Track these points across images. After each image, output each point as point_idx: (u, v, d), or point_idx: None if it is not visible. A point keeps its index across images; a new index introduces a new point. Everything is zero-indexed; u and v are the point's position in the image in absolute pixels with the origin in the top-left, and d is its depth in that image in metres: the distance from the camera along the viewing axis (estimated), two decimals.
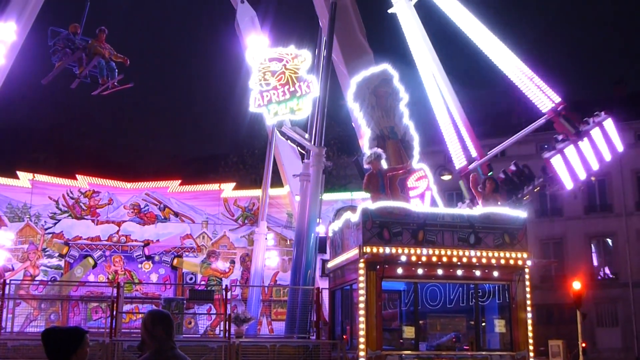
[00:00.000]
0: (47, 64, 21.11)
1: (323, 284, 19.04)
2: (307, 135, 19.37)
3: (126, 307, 22.03)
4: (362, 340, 14.20)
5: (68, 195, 26.22)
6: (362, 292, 14.44)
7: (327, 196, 22.30)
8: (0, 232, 25.14)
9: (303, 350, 16.45)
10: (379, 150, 16.57)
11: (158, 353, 5.12)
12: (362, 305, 14.36)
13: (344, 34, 21.05)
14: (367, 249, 14.44)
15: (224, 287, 20.36)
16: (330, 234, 17.87)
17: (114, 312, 15.79)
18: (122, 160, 30.46)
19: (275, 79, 18.08)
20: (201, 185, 27.57)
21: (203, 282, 25.68)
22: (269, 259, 24.79)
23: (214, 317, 23.12)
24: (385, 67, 19.62)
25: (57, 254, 25.70)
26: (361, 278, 14.45)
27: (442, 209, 18.40)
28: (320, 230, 19.56)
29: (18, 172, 26.14)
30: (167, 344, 5.19)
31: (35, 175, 26.30)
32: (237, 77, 26.66)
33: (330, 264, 17.79)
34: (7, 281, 18.87)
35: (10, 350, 15.18)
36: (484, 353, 15.15)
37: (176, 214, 26.59)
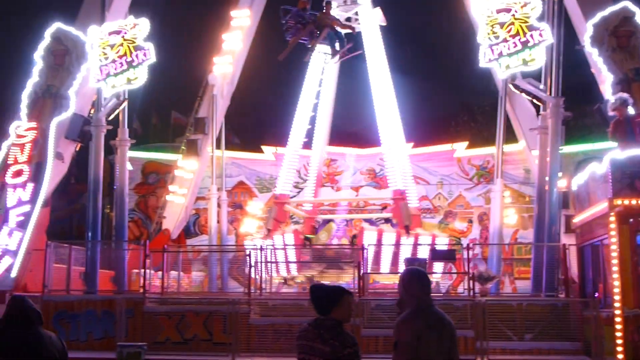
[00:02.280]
0: (280, 42, 22.33)
1: (568, 240, 18.17)
2: (542, 86, 18.43)
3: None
4: (617, 298, 13.35)
5: (308, 165, 27.65)
6: (614, 247, 13.52)
7: (568, 148, 21.14)
8: (252, 203, 27.34)
9: (551, 309, 15.90)
10: (625, 95, 15.27)
11: (418, 310, 5.19)
12: (615, 262, 13.46)
13: None
14: (618, 202, 13.47)
15: (463, 246, 20.28)
16: (574, 188, 16.94)
17: (361, 273, 16.46)
18: (355, 127, 31.28)
19: (505, 30, 17.41)
20: (433, 146, 27.50)
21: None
22: (508, 216, 24.11)
23: (454, 276, 23.16)
24: (625, 4, 17.97)
25: (302, 221, 27.32)
26: (612, 233, 13.52)
27: None
28: (562, 184, 18.67)
29: (263, 147, 28.11)
30: (425, 301, 5.26)
31: (278, 148, 28.06)
32: (460, 34, 26.10)
33: (576, 219, 16.89)
34: (262, 246, 20.44)
35: (270, 308, 16.52)
36: None
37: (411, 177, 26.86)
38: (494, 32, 17.50)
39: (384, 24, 22.89)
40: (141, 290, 17.20)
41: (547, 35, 17.27)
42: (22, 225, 19.36)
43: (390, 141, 22.20)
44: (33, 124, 20.17)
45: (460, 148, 26.74)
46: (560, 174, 18.44)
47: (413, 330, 5.08)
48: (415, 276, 5.41)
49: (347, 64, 23.78)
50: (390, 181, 21.72)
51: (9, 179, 19.70)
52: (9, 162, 19.91)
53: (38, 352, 4.98)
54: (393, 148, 22.10)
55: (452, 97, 38.56)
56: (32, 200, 19.59)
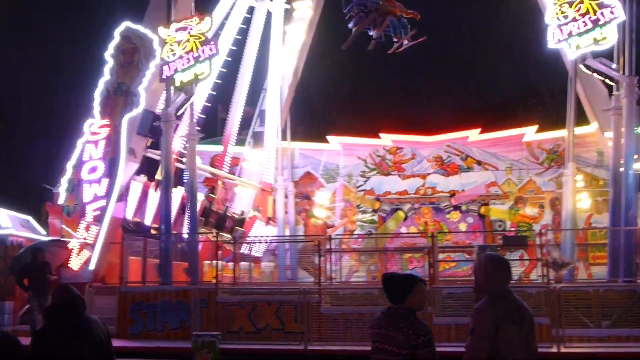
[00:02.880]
0: (344, 31, 22.24)
1: None
2: (614, 65, 17.77)
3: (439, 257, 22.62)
4: None
5: (374, 153, 27.57)
6: None
7: None
8: (319, 193, 27.45)
9: (629, 295, 15.38)
10: None
11: (497, 298, 5.05)
12: None
13: None
14: None
15: (535, 232, 19.83)
16: None
17: (431, 261, 16.31)
18: (420, 114, 30.99)
19: (574, 9, 16.86)
20: (501, 131, 26.96)
21: (512, 229, 25.33)
22: (581, 201, 23.49)
23: (526, 263, 22.72)
24: None
25: (370, 210, 27.30)
26: None
27: None
28: (638, 166, 18.01)
29: (328, 137, 28.16)
30: (505, 289, 5.13)
31: (344, 138, 28.08)
32: (526, 17, 25.44)
33: None
34: (331, 236, 20.54)
35: (341, 297, 16.55)
36: None
37: (479, 163, 26.50)
38: (562, 12, 16.99)
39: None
40: (214, 281, 17.48)
41: (618, 12, 16.64)
42: (98, 220, 19.97)
43: None
44: (106, 121, 20.71)
45: (529, 132, 26.14)
46: (636, 156, 17.79)
47: (492, 318, 4.91)
48: (496, 263, 5.23)
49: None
50: None
51: (84, 175, 20.32)
52: (84, 158, 20.52)
53: (88, 335, 5.28)
54: None
55: (519, 81, 37.72)
56: (107, 195, 20.17)
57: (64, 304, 5.37)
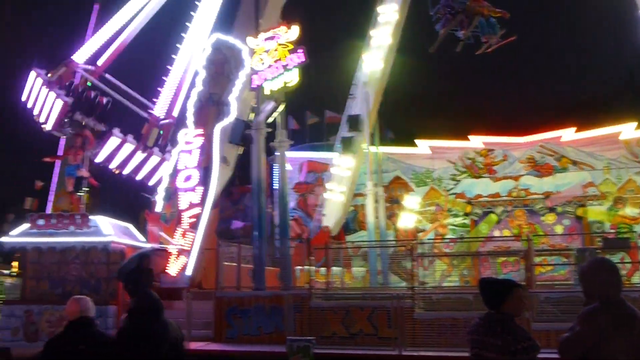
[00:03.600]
0: (430, 33, 22.02)
1: None
2: None
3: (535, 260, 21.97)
4: None
5: (464, 156, 27.12)
6: None
7: None
8: (409, 197, 27.22)
9: None
10: None
11: (607, 305, 4.80)
12: None
13: None
14: None
15: (637, 233, 18.96)
16: None
17: (528, 265, 15.83)
18: (511, 115, 30.34)
19: None
20: (597, 129, 25.96)
21: (612, 230, 24.30)
22: None
23: (628, 266, 21.72)
24: None
25: (461, 213, 26.85)
26: None
27: None
28: None
29: (417, 141, 27.91)
30: (615, 296, 4.87)
31: (433, 141, 27.76)
32: (620, 8, 24.40)
33: None
34: (423, 240, 20.29)
35: (434, 302, 16.29)
36: None
37: (574, 163, 25.63)
38: None
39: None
40: (307, 287, 17.56)
41: None
42: (194, 227, 20.48)
43: None
44: (199, 131, 21.25)
45: (627, 129, 25.05)
46: None
47: (597, 325, 4.70)
48: (603, 267, 5.01)
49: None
50: None
51: (180, 184, 20.92)
52: (179, 167, 21.12)
53: (166, 336, 5.79)
54: None
55: (614, 75, 36.30)
56: (202, 202, 20.68)
57: (146, 308, 5.84)
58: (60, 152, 25.40)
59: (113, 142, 22.47)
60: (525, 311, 14.05)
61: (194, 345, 16.37)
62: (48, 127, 22.49)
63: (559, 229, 25.42)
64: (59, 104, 21.70)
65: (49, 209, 24.18)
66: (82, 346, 5.56)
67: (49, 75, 22.32)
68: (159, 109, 24.11)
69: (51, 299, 18.50)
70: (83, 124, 22.37)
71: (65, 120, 22.01)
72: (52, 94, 21.80)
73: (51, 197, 26.15)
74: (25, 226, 19.92)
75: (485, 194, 26.55)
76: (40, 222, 19.73)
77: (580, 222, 25.32)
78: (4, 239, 20.08)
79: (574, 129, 25.92)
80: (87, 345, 5.62)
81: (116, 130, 22.56)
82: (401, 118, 33.39)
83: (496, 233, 26.01)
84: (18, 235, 19.89)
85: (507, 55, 24.00)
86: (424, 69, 30.43)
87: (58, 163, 27.40)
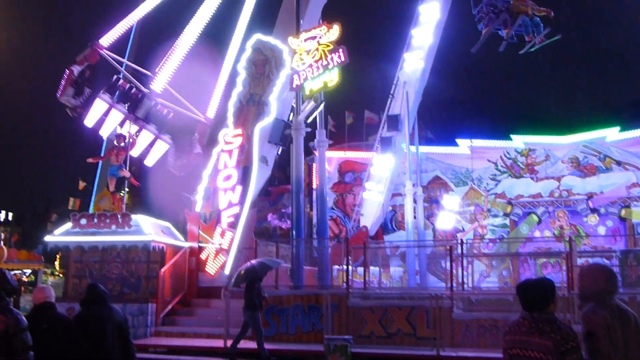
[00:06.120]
0: (472, 33, 21.81)
1: None
2: None
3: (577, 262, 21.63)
4: None
5: (505, 156, 26.82)
6: None
7: None
8: (448, 197, 27.00)
9: None
10: None
11: (603, 302, 5.24)
12: None
13: None
14: None
15: None
16: None
17: (570, 266, 15.59)
18: (554, 115, 29.93)
19: None
20: None
21: None
22: None
23: None
24: None
25: (501, 213, 26.58)
26: None
27: None
28: None
29: (457, 140, 27.68)
30: (611, 297, 5.29)
31: (473, 141, 27.51)
32: None
33: None
34: (462, 240, 20.10)
35: (473, 303, 16.15)
36: None
37: (618, 163, 25.14)
38: None
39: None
40: (345, 286, 17.56)
41: None
42: (232, 226, 20.63)
43: None
44: (239, 131, 21.39)
45: None
46: None
47: (605, 320, 5.10)
48: (602, 273, 5.43)
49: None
50: None
51: (220, 183, 21.09)
52: (219, 167, 21.30)
53: (112, 318, 7.27)
54: None
55: None
56: (241, 202, 20.80)
57: (95, 297, 7.35)
58: (102, 154, 25.85)
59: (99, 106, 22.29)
60: (567, 312, 13.87)
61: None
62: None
63: (601, 230, 24.95)
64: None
65: (91, 209, 24.61)
66: (45, 325, 6.62)
67: (77, 61, 22.40)
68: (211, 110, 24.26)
69: None
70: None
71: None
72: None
73: (94, 197, 26.64)
74: (68, 225, 20.29)
75: (526, 194, 26.21)
76: (83, 221, 20.06)
77: (624, 223, 24.82)
78: (48, 238, 20.48)
79: (618, 128, 25.41)
80: (49, 325, 6.66)
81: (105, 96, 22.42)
82: (441, 118, 33.19)
83: (537, 234, 25.66)
84: (61, 234, 20.26)
85: (550, 54, 23.67)
86: (465, 68, 30.18)
87: (100, 164, 27.88)
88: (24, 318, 6.48)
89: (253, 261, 16.07)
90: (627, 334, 5.11)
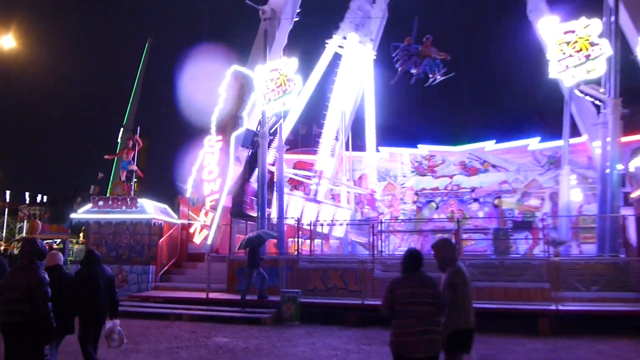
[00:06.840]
0: (392, 70, 21.86)
1: (626, 212, 16.53)
2: (602, 90, 16.79)
3: (463, 236, 21.91)
4: None
5: (414, 160, 27.03)
6: None
7: (625, 139, 19.19)
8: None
9: (613, 266, 14.48)
10: None
11: (458, 265, 5.71)
12: None
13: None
14: None
15: (538, 218, 18.95)
16: (632, 170, 15.32)
17: (457, 240, 15.78)
18: (449, 130, 30.36)
19: (570, 47, 15.96)
20: (511, 142, 25.94)
21: (520, 216, 24.30)
22: (573, 195, 22.32)
23: (530, 242, 21.73)
24: None
25: (410, 201, 26.74)
26: None
27: None
28: (620, 167, 16.95)
29: (380, 148, 27.73)
30: (456, 260, 5.77)
31: (391, 148, 27.59)
32: (530, 52, 24.38)
33: (633, 195, 15.32)
34: (381, 220, 20.19)
35: (389, 266, 16.20)
36: None
37: (494, 166, 25.60)
38: (561, 50, 16.12)
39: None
40: (296, 253, 17.44)
41: (606, 48, 15.70)
42: (214, 208, 20.28)
43: None
44: (219, 138, 21.05)
45: (533, 142, 25.06)
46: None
47: (465, 275, 5.58)
48: (448, 244, 5.95)
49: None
50: None
51: (204, 176, 20.75)
52: (204, 164, 20.94)
53: (104, 276, 7.52)
54: None
55: (525, 103, 36.38)
56: (220, 190, 20.49)
57: (92, 259, 7.61)
58: (117, 152, 24.99)
59: None
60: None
61: (213, 295, 16.21)
62: None
63: (480, 214, 25.40)
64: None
65: (107, 194, 23.82)
66: (56, 282, 6.63)
67: None
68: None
69: (107, 260, 18.19)
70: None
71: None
72: None
73: (110, 185, 25.78)
74: (88, 206, 19.65)
75: (428, 187, 26.45)
76: (100, 203, 19.45)
77: (497, 209, 25.30)
78: (73, 215, 19.85)
79: (494, 141, 25.90)
80: (58, 281, 6.75)
81: None
82: (367, 131, 33.16)
83: (435, 216, 25.94)
84: (83, 212, 19.61)
85: (448, 86, 23.91)
86: (387, 96, 30.27)
87: (115, 160, 26.96)
88: (47, 276, 6.20)
89: (253, 232, 16.03)
90: (467, 286, 5.54)
